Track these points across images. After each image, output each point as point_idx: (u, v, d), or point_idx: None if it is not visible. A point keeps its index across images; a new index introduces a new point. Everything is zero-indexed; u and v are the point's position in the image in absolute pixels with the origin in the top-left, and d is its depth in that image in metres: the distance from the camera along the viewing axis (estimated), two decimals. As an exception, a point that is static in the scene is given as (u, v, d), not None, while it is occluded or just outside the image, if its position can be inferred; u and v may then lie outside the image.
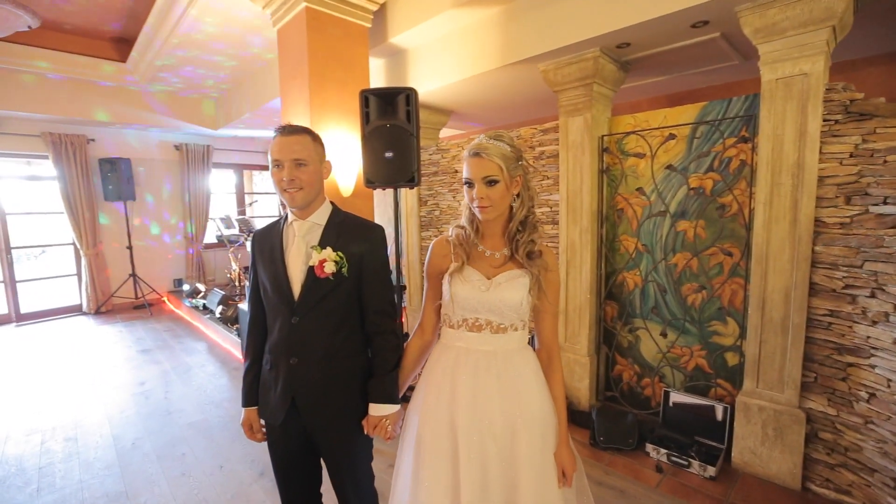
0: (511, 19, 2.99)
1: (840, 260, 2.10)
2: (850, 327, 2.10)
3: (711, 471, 2.39)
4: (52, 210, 6.38)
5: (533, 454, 1.22)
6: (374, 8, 3.34)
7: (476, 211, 1.24)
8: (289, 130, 1.38)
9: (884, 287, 1.97)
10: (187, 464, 2.65)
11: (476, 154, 1.21)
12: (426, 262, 1.41)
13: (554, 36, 2.77)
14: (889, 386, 1.97)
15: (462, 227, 1.32)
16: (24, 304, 6.23)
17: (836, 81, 2.14)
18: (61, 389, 3.78)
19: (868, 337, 2.04)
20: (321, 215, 1.42)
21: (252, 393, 1.48)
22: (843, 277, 2.10)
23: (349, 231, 1.42)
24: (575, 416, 3.03)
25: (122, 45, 5.70)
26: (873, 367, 2.03)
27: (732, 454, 2.48)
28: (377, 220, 3.90)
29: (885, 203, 1.94)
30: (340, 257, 1.36)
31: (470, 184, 1.22)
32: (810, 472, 2.27)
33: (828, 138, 2.11)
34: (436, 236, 4.24)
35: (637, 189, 2.94)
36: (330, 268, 1.35)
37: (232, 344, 4.71)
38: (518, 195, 1.25)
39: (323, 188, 1.45)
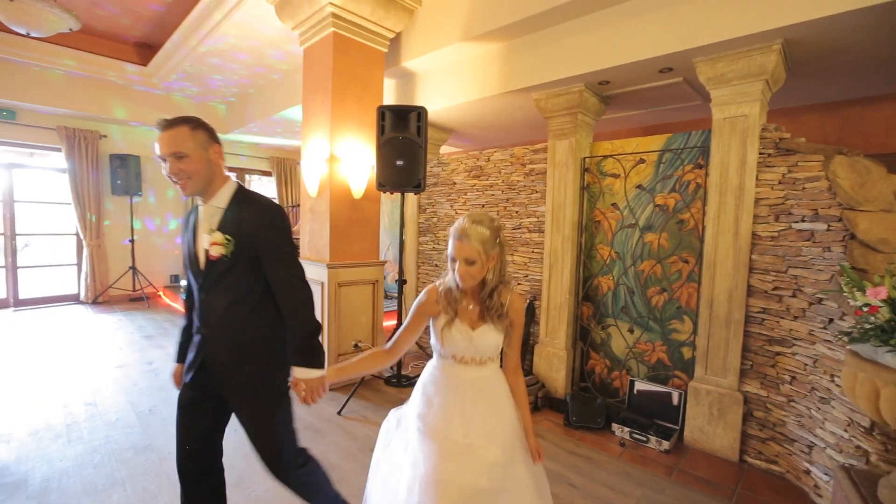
0: (511, 54, 3.49)
1: (770, 266, 2.57)
2: (778, 322, 2.56)
3: (666, 445, 2.79)
4: (60, 201, 6.60)
5: (516, 441, 1.56)
6: (392, 36, 3.81)
7: (458, 282, 1.51)
8: (165, 125, 1.43)
9: (802, 288, 2.44)
10: (204, 426, 2.94)
11: (460, 238, 1.45)
12: (418, 302, 1.58)
13: (546, 71, 3.26)
14: (805, 369, 2.42)
15: (449, 289, 1.56)
16: (22, 290, 6.38)
17: (779, 124, 2.66)
18: (71, 367, 4.01)
19: (791, 329, 2.50)
20: (222, 198, 1.49)
21: (182, 351, 1.68)
22: (773, 281, 2.57)
23: (247, 213, 1.48)
24: (552, 403, 3.41)
25: (144, 50, 6.08)
26: (794, 354, 2.48)
27: (684, 433, 2.90)
28: (381, 225, 4.30)
29: (802, 221, 2.43)
30: (228, 240, 1.44)
31: (454, 259, 1.48)
32: (746, 446, 2.69)
33: (762, 168, 2.60)
34: (433, 241, 4.65)
35: (612, 204, 3.41)
36: (217, 250, 1.44)
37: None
38: (492, 268, 1.51)
39: (219, 171, 1.50)
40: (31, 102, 5.86)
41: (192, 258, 1.53)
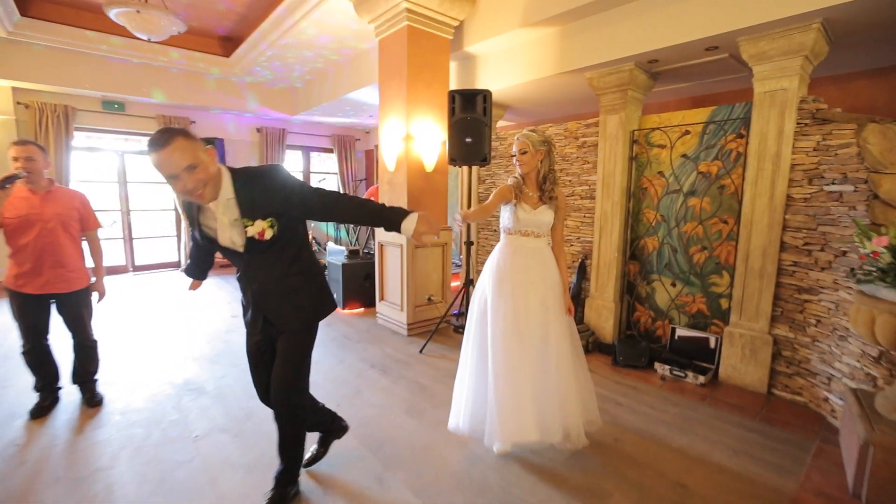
0: (565, 37, 3.85)
1: (802, 224, 2.92)
2: (807, 273, 2.92)
3: (702, 379, 3.26)
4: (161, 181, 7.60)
5: (556, 298, 2.27)
6: (456, 24, 4.25)
7: (517, 166, 2.31)
8: (162, 143, 1.40)
9: (829, 243, 2.78)
10: (322, 358, 3.70)
11: (517, 138, 2.31)
12: (499, 192, 2.30)
13: (599, 52, 3.62)
14: (828, 313, 2.79)
15: (517, 180, 2.34)
16: (137, 258, 7.53)
17: (829, 90, 2.98)
18: (197, 314, 4.92)
19: (818, 280, 2.86)
20: (227, 190, 1.59)
21: (193, 270, 2.08)
22: (804, 237, 2.92)
23: (257, 192, 1.60)
24: (601, 347, 3.93)
25: (227, 43, 6.79)
26: (820, 300, 2.85)
27: (719, 371, 3.34)
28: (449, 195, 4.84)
29: (833, 183, 2.75)
30: (272, 222, 1.62)
31: (514, 154, 2.30)
32: (773, 381, 3.11)
33: (798, 136, 2.91)
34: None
35: (658, 172, 3.78)
36: (269, 234, 1.63)
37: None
38: (541, 161, 2.28)
39: (216, 169, 1.58)
40: (135, 95, 6.77)
41: (223, 245, 1.70)
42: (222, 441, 2.46)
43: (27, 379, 2.88)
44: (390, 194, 4.36)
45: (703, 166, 3.52)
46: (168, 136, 1.41)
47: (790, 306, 3.03)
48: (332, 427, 2.21)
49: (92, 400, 2.85)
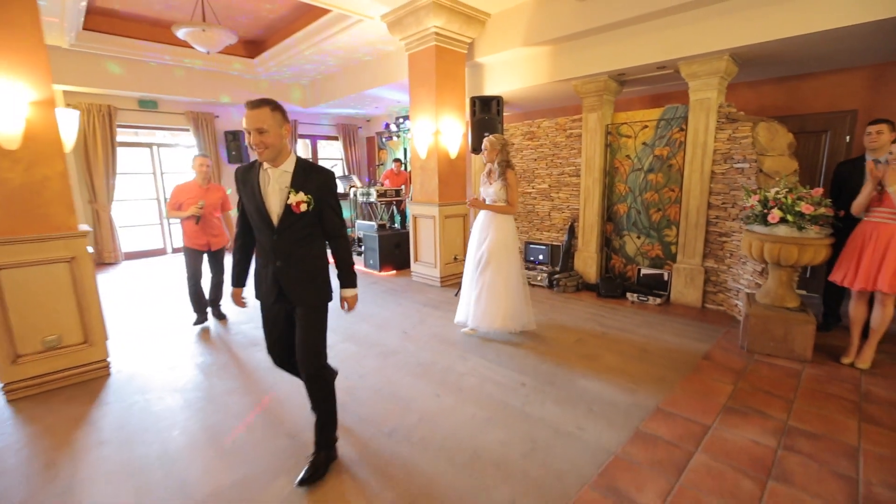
0: (556, 55, 5.09)
1: (721, 190, 4.34)
2: (724, 223, 4.36)
3: (658, 301, 4.70)
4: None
5: (497, 252, 3.62)
6: (469, 41, 5.41)
7: (484, 159, 3.70)
8: (252, 105, 1.80)
9: (736, 202, 4.21)
10: (386, 304, 4.93)
11: (484, 141, 3.72)
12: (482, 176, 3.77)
13: (582, 67, 4.89)
14: (737, 248, 4.24)
15: (488, 165, 3.67)
16: (173, 241, 8.44)
17: (745, 93, 4.34)
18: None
19: (730, 227, 4.30)
20: (289, 164, 1.90)
21: (237, 278, 2.20)
22: (721, 199, 4.34)
23: (310, 176, 1.91)
24: (588, 287, 5.33)
25: (250, 46, 7.67)
26: (732, 240, 4.30)
27: (670, 296, 4.79)
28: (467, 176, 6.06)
29: (738, 162, 4.17)
30: (310, 199, 1.88)
31: (483, 150, 3.74)
32: (705, 298, 4.58)
33: (718, 131, 4.30)
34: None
35: (626, 156, 5.14)
36: (304, 207, 1.87)
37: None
38: (498, 154, 3.66)
39: (287, 145, 1.90)
40: (167, 94, 7.58)
41: (259, 211, 1.92)
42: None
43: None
44: (422, 177, 5.57)
45: (657, 151, 4.89)
46: (259, 102, 1.81)
47: (714, 246, 4.49)
48: (334, 423, 2.17)
49: (220, 315, 4.42)
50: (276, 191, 1.89)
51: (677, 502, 1.89)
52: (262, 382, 3.08)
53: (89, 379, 3.13)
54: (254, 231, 2.04)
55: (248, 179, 1.95)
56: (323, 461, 2.08)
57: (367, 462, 2.19)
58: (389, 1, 4.93)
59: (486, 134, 4.36)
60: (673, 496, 1.92)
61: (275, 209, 1.90)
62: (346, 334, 3.97)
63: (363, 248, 6.68)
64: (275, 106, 1.84)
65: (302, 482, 1.99)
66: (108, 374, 3.23)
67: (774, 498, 1.90)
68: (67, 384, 3.06)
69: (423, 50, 5.24)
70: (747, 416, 2.54)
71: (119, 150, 7.51)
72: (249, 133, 1.80)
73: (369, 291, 5.42)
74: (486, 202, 3.71)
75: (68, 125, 5.23)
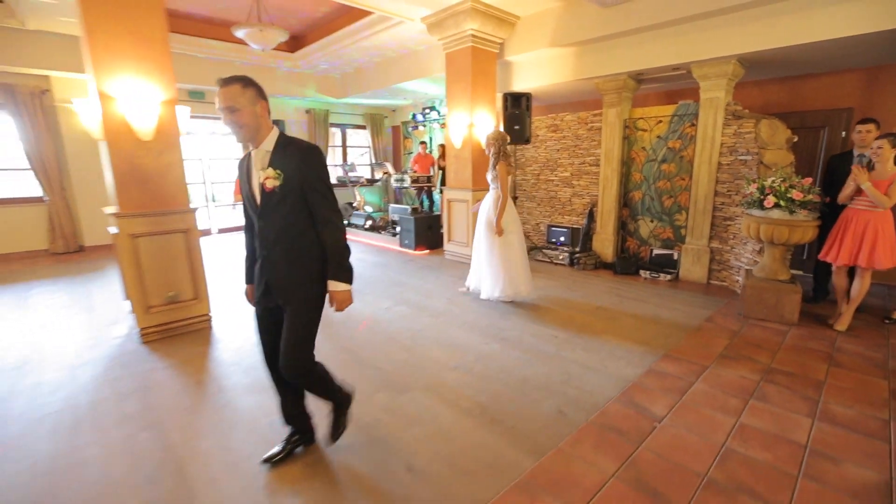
0: (580, 56, 5.64)
1: (726, 179, 4.91)
2: (729, 208, 4.93)
3: (668, 278, 5.31)
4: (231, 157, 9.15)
5: (489, 222, 4.35)
6: (501, 42, 5.97)
7: (487, 152, 4.37)
8: (223, 82, 1.69)
9: (740, 190, 4.78)
10: (427, 277, 5.59)
11: (486, 138, 4.40)
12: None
13: (604, 67, 5.44)
14: (738, 230, 4.82)
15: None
16: (217, 223, 9.15)
17: (752, 91, 4.87)
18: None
19: (734, 212, 4.88)
20: (269, 143, 1.76)
21: (249, 275, 2.06)
22: (727, 187, 4.91)
23: (291, 153, 1.75)
24: (605, 265, 5.94)
25: (292, 41, 8.24)
26: (735, 224, 4.88)
27: (679, 274, 5.39)
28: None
29: (742, 154, 4.73)
30: (279, 174, 1.72)
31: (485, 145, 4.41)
32: (710, 276, 5.18)
33: (725, 126, 4.85)
34: (521, 174, 7.01)
35: (642, 147, 5.70)
36: (271, 183, 1.72)
37: (382, 240, 7.64)
38: (493, 149, 4.30)
39: (265, 123, 1.75)
40: (211, 86, 8.21)
41: (249, 194, 1.83)
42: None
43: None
44: (457, 165, 6.18)
45: (670, 143, 5.45)
46: (229, 79, 1.68)
47: (719, 229, 5.07)
48: (341, 397, 2.16)
49: None
50: (256, 171, 1.78)
51: (680, 411, 2.53)
52: (357, 293, 3.76)
53: (199, 328, 3.84)
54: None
55: (242, 167, 1.87)
56: (342, 416, 2.16)
57: (442, 387, 2.86)
58: (431, 5, 5.49)
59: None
60: (677, 408, 2.57)
61: (257, 193, 1.80)
62: (398, 299, 4.63)
63: (399, 229, 7.33)
64: (247, 82, 1.71)
65: (333, 438, 2.15)
66: (210, 326, 3.93)
67: (753, 410, 2.54)
68: (184, 332, 3.76)
69: (460, 50, 5.81)
70: (738, 361, 3.17)
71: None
72: (221, 111, 1.68)
73: (408, 267, 6.09)
74: (490, 190, 4.45)
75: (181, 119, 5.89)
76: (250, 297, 2.08)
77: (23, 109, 6.58)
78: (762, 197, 3.88)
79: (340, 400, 2.12)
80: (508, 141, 4.47)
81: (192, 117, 8.60)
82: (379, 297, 4.73)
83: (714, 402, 2.62)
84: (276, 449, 2.14)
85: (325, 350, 3.34)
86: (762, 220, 3.89)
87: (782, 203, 3.76)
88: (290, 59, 8.41)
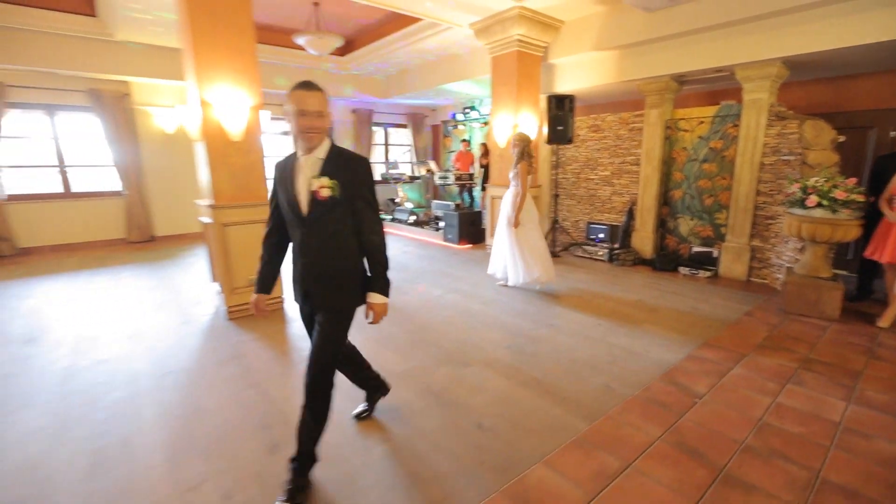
0: (623, 57, 5.83)
1: (768, 179, 5.02)
2: (771, 207, 5.04)
3: (707, 274, 5.45)
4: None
5: (503, 225, 4.76)
6: (545, 45, 6.22)
7: (512, 153, 4.72)
8: (312, 87, 1.71)
9: (782, 189, 4.88)
10: (473, 269, 5.93)
11: (512, 138, 4.76)
12: None
13: (647, 70, 5.61)
14: (780, 229, 4.92)
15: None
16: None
17: (797, 91, 4.97)
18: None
19: (776, 210, 4.98)
20: (322, 150, 1.78)
21: (263, 284, 2.00)
22: (769, 186, 5.02)
23: (342, 163, 1.79)
24: (643, 262, 6.12)
25: (341, 45, 8.72)
26: (777, 222, 4.98)
27: (719, 271, 5.52)
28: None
29: (785, 155, 4.83)
30: (335, 184, 1.75)
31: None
32: (750, 273, 5.29)
33: (768, 127, 4.96)
34: (562, 173, 7.25)
35: (683, 147, 5.84)
36: (326, 192, 1.74)
37: (425, 235, 8.02)
38: (516, 149, 4.67)
39: (327, 130, 1.80)
40: (272, 89, 8.77)
41: (290, 202, 1.80)
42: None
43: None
44: (500, 164, 6.48)
45: (712, 143, 5.58)
46: (316, 86, 1.72)
47: (761, 228, 5.18)
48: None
49: None
50: (306, 179, 1.78)
51: (719, 391, 2.77)
52: (410, 281, 4.15)
53: (274, 308, 4.31)
54: (288, 229, 1.92)
55: (285, 172, 1.85)
56: (303, 487, 1.90)
57: (498, 363, 3.19)
58: (479, 11, 5.80)
59: (559, 128, 5.25)
60: (716, 388, 2.81)
61: (304, 200, 1.80)
62: (448, 288, 4.99)
63: (442, 224, 7.70)
64: (325, 93, 1.76)
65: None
66: (283, 307, 4.39)
67: (790, 393, 2.75)
68: (262, 311, 4.24)
69: (506, 54, 6.09)
70: (777, 351, 3.36)
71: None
72: (304, 115, 1.69)
73: (454, 260, 6.44)
74: (511, 186, 4.86)
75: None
76: (262, 307, 2.03)
77: (107, 112, 7.30)
78: (804, 196, 4.01)
79: (321, 422, 1.92)
80: (531, 142, 4.82)
81: (271, 119, 9.23)
82: (430, 286, 5.10)
83: (752, 384, 2.85)
84: (362, 406, 2.51)
85: (390, 331, 3.73)
86: (804, 219, 4.03)
87: (825, 202, 3.89)
88: (340, 62, 8.89)
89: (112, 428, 2.43)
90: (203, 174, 3.99)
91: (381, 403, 2.61)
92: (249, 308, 2.15)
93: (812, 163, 4.54)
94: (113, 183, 7.73)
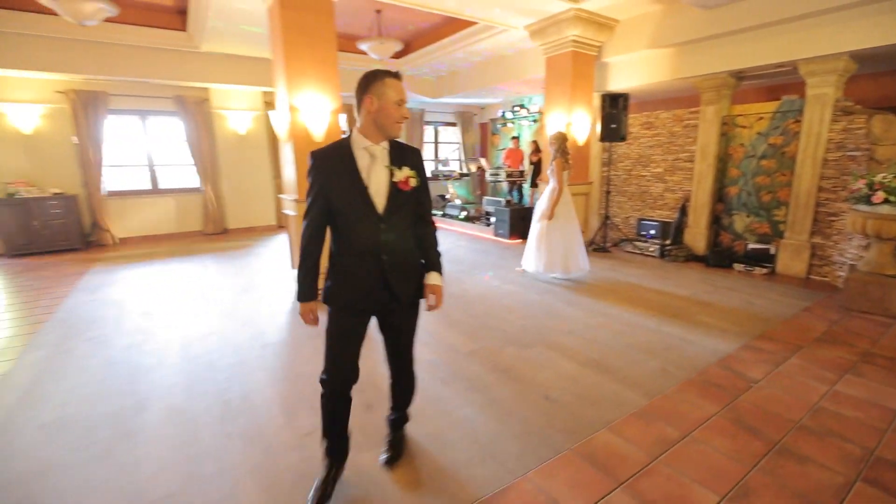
0: (679, 55, 5.86)
1: (832, 175, 4.95)
2: (834, 203, 4.97)
3: (763, 271, 5.43)
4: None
5: (538, 217, 5.03)
6: (599, 45, 6.34)
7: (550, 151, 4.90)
8: (400, 76, 1.68)
9: (846, 185, 4.81)
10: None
11: (550, 136, 4.98)
12: None
13: (704, 66, 5.63)
14: (844, 227, 4.86)
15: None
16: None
17: (866, 82, 4.88)
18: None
19: (839, 207, 4.91)
20: (385, 141, 1.74)
21: (312, 290, 1.82)
22: (832, 183, 4.95)
23: (405, 153, 1.78)
24: (696, 258, 6.15)
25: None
26: (840, 220, 4.92)
27: (776, 268, 5.48)
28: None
29: (850, 150, 4.76)
30: (415, 174, 1.74)
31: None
32: (810, 271, 5.24)
33: (833, 122, 4.89)
34: (613, 169, 7.34)
35: (740, 144, 5.82)
36: (413, 182, 1.73)
37: (476, 230, 8.32)
38: (553, 146, 4.92)
39: None
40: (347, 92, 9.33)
41: (363, 195, 1.68)
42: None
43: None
44: (553, 161, 6.66)
45: (771, 139, 5.54)
46: (399, 74, 1.70)
47: (822, 225, 5.12)
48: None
49: None
50: (381, 171, 1.70)
51: (775, 377, 2.91)
52: (467, 273, 4.47)
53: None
54: (343, 228, 1.73)
55: (339, 163, 1.69)
56: (402, 438, 2.23)
57: (559, 345, 3.45)
58: (535, 14, 6.01)
59: (612, 126, 5.41)
60: (772, 375, 2.94)
61: (380, 192, 1.70)
62: (504, 279, 5.27)
63: (493, 220, 7.97)
64: None
65: (388, 462, 2.11)
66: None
67: (848, 382, 2.85)
68: (336, 296, 4.69)
69: (561, 54, 6.27)
70: (836, 345, 3.42)
71: (295, 137, 9.46)
72: (402, 104, 1.67)
73: (506, 253, 6.71)
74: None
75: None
76: (314, 316, 1.85)
77: (189, 116, 8.07)
78: (871, 193, 3.99)
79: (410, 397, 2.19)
80: (567, 140, 5.08)
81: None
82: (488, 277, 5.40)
83: (808, 373, 2.96)
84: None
85: (456, 316, 4.06)
86: (869, 216, 4.01)
87: (892, 198, 3.87)
88: (396, 64, 9.31)
89: (232, 386, 2.90)
90: (289, 171, 4.47)
91: (456, 374, 2.94)
92: (303, 320, 1.85)
93: (881, 158, 4.47)
94: (192, 180, 8.52)
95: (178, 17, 6.76)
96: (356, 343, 1.85)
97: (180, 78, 7.46)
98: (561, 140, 4.94)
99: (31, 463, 2.16)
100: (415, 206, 1.82)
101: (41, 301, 4.68)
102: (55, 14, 5.48)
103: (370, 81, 1.66)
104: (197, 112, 8.13)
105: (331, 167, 1.70)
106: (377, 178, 1.70)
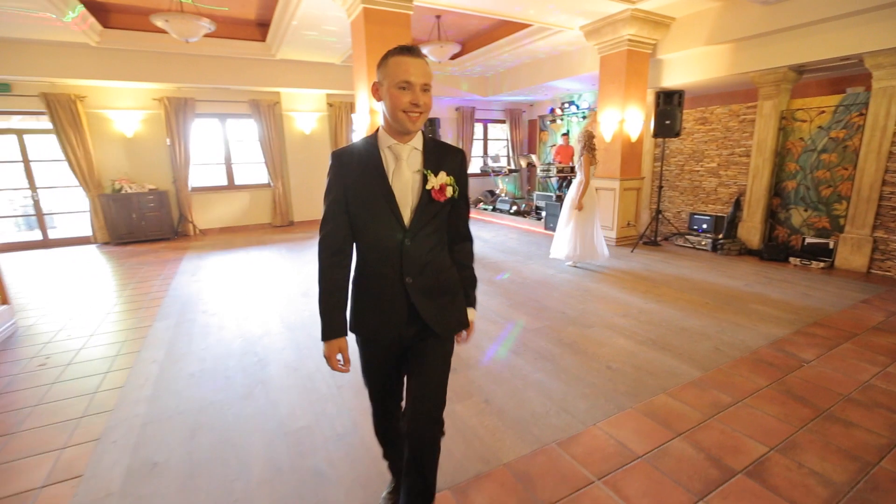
0: (736, 50, 5.93)
1: (896, 168, 4.93)
2: (897, 197, 4.95)
3: (821, 265, 5.45)
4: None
5: (566, 209, 5.36)
6: (654, 42, 6.48)
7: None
8: (417, 52, 1.28)
9: (913, 179, 4.80)
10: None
11: (579, 133, 5.10)
12: None
13: (763, 61, 5.67)
14: (909, 220, 4.84)
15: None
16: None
17: None
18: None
19: (904, 201, 4.89)
20: (418, 140, 1.40)
21: (337, 326, 1.45)
22: (897, 176, 4.94)
23: (444, 154, 1.43)
24: (750, 252, 6.20)
25: (452, 50, 9.54)
26: (904, 213, 4.90)
27: (835, 263, 5.49)
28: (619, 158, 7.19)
29: (917, 144, 4.73)
30: (453, 181, 1.39)
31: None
32: (871, 265, 5.22)
33: (899, 116, 4.87)
34: (665, 165, 7.44)
35: (799, 138, 5.82)
36: (449, 192, 1.39)
37: (526, 224, 8.63)
38: (580, 142, 5.18)
39: None
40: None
41: (389, 203, 1.38)
42: (564, 276, 5.32)
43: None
44: (605, 156, 6.88)
45: (833, 133, 5.53)
46: (421, 52, 1.30)
47: (886, 218, 5.10)
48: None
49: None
50: (406, 175, 1.39)
51: (827, 359, 3.11)
52: (522, 263, 4.84)
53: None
54: (361, 245, 1.47)
55: (358, 165, 1.40)
56: None
57: (617, 326, 3.76)
58: (591, 15, 6.24)
59: (667, 122, 5.58)
60: (824, 356, 3.14)
61: (407, 201, 1.40)
62: (559, 269, 5.59)
63: (544, 214, 8.26)
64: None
65: None
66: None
67: (901, 366, 3.01)
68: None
69: (616, 53, 6.47)
70: (892, 333, 3.53)
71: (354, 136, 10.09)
72: (407, 88, 1.28)
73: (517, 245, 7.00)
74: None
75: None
76: (344, 357, 1.48)
77: (262, 118, 8.84)
78: (934, 186, 4.02)
79: (432, 485, 1.50)
80: (594, 137, 5.40)
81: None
82: (541, 266, 5.73)
83: (861, 356, 3.13)
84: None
85: (518, 299, 4.44)
86: (933, 209, 4.04)
87: (957, 192, 3.89)
88: (451, 65, 9.74)
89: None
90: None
91: (526, 347, 3.33)
92: (328, 364, 1.49)
93: (947, 152, 4.44)
94: (262, 176, 9.32)
95: (259, 30, 7.47)
96: (393, 381, 1.61)
97: (256, 83, 8.21)
98: (588, 137, 5.25)
99: (192, 401, 2.74)
100: (453, 219, 1.51)
101: (153, 281, 5.45)
102: (164, 32, 6.25)
103: (378, 65, 1.36)
104: (269, 114, 8.88)
105: (352, 169, 1.40)
106: (402, 184, 1.39)
